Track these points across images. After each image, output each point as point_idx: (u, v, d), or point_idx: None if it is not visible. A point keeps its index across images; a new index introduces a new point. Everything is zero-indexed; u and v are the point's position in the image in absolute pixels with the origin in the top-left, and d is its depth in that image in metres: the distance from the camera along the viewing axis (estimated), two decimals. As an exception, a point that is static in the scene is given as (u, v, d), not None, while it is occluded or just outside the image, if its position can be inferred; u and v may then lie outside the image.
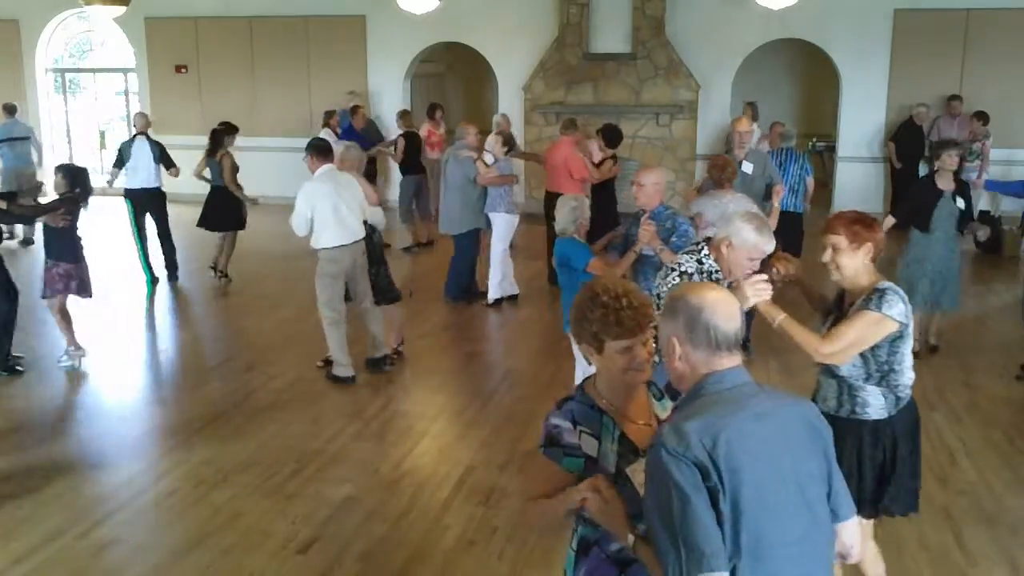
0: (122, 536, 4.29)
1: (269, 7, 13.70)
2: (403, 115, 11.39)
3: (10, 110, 11.61)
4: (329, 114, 11.73)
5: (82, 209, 6.73)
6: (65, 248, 6.55)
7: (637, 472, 2.18)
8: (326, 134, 11.62)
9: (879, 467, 3.27)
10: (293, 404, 5.96)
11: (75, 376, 6.57)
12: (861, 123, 12.57)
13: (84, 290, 6.68)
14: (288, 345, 7.23)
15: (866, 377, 3.19)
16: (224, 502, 4.60)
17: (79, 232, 6.69)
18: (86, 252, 6.72)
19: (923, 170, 12.05)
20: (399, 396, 6.17)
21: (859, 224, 3.17)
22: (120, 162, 9.27)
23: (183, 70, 14.33)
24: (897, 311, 3.07)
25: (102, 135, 16.27)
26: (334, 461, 5.09)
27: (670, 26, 12.50)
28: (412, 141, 11.00)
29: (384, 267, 6.62)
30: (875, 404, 3.22)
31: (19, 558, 4.08)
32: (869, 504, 3.28)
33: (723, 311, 2.06)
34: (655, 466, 1.95)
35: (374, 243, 6.53)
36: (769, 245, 3.49)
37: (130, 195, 9.18)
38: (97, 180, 15.61)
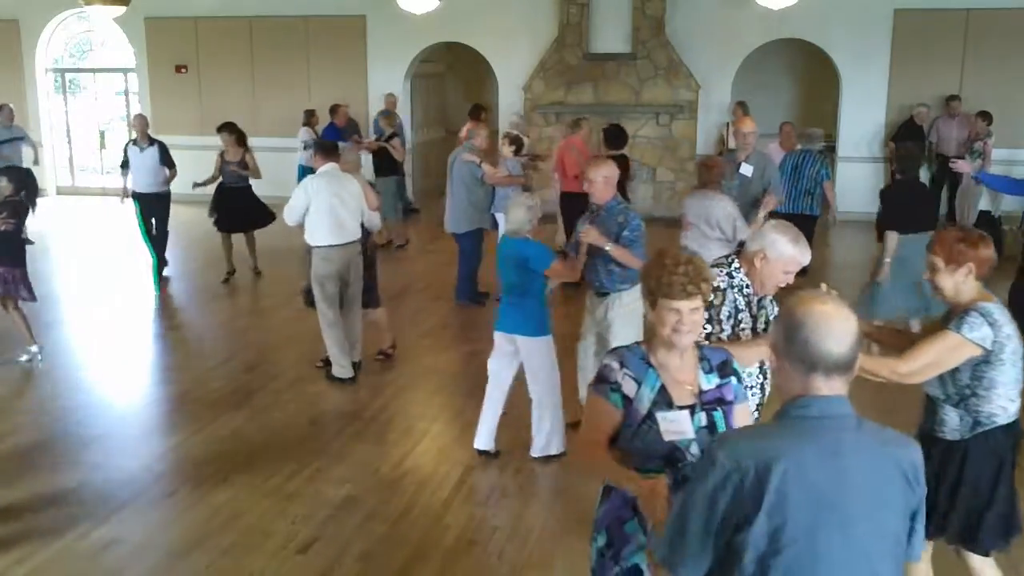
0: (122, 536, 4.29)
1: (269, 7, 13.70)
2: (386, 115, 11.12)
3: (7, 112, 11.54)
4: (309, 113, 11.71)
5: (30, 213, 6.64)
6: (4, 251, 6.47)
7: (666, 420, 2.46)
8: (305, 133, 11.62)
9: (949, 489, 3.18)
10: (293, 404, 5.96)
11: (75, 376, 6.57)
12: (861, 123, 12.57)
13: (27, 293, 6.60)
14: (288, 345, 7.22)
15: (944, 397, 3.13)
16: (224, 502, 4.60)
17: (25, 236, 6.63)
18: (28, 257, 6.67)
19: (925, 173, 12.06)
20: (399, 396, 6.17)
21: (962, 243, 3.05)
22: (125, 164, 9.26)
23: (183, 70, 14.32)
24: (979, 335, 2.96)
25: (102, 135, 16.26)
26: (334, 461, 5.09)
27: (670, 26, 12.50)
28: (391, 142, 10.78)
29: (374, 270, 6.66)
30: (951, 424, 3.14)
31: (19, 558, 4.08)
32: (933, 526, 3.16)
33: (828, 328, 1.85)
34: (700, 462, 1.96)
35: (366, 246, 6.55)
36: (806, 256, 3.25)
37: (136, 197, 9.18)
38: (98, 180, 15.72)
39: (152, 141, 9.18)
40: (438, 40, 13.55)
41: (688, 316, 2.46)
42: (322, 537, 4.25)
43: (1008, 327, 3.02)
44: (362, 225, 6.38)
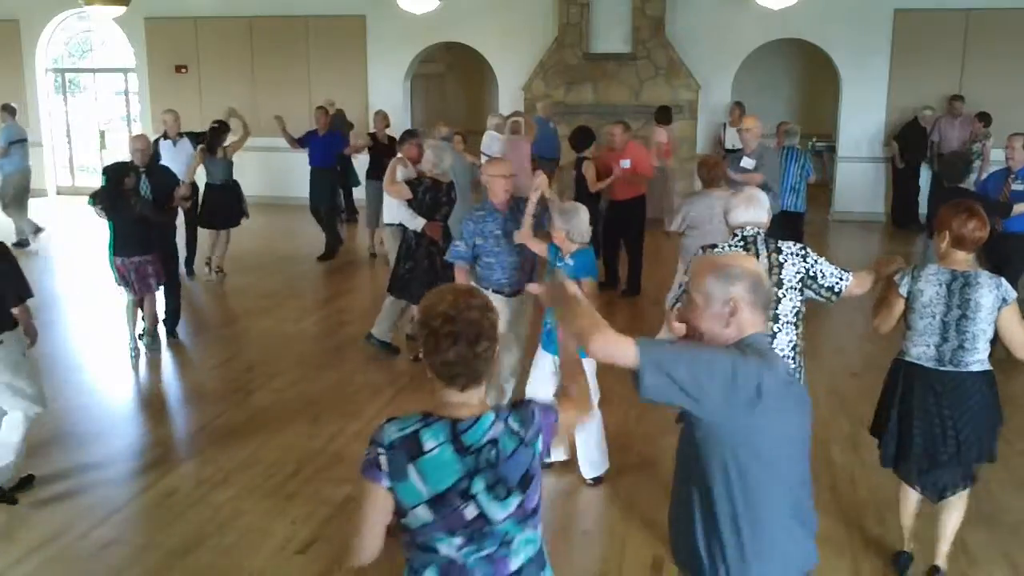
0: (122, 536, 4.30)
1: (269, 7, 13.70)
2: (383, 116, 10.61)
3: (11, 112, 11.56)
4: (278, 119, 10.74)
5: None
6: None
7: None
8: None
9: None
10: (293, 404, 5.96)
11: (75, 376, 6.56)
12: (861, 123, 12.58)
13: None
14: (288, 345, 7.23)
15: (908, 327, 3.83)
16: (224, 502, 4.60)
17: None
18: None
19: (925, 173, 12.07)
20: (399, 396, 6.17)
21: (947, 212, 3.63)
22: (158, 159, 9.23)
23: (183, 70, 14.32)
24: (904, 283, 3.70)
25: (102, 135, 16.27)
26: (334, 461, 5.09)
27: (670, 26, 12.51)
28: (379, 145, 10.30)
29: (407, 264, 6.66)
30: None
31: (19, 558, 4.08)
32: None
33: (767, 279, 2.30)
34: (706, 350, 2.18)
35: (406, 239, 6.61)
36: (763, 212, 3.94)
37: None
38: (98, 180, 15.67)
39: (181, 135, 9.29)
40: (438, 40, 13.55)
41: None
42: (322, 537, 4.25)
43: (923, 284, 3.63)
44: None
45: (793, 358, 3.83)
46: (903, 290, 3.67)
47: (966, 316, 3.54)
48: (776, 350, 3.77)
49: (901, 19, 12.13)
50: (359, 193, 11.73)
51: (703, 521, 2.21)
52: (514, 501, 2.07)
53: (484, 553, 2.09)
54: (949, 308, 3.57)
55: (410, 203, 6.42)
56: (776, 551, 2.18)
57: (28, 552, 4.13)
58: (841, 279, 3.83)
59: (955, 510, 3.78)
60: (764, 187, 7.00)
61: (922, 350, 3.65)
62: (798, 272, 3.80)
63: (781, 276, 3.79)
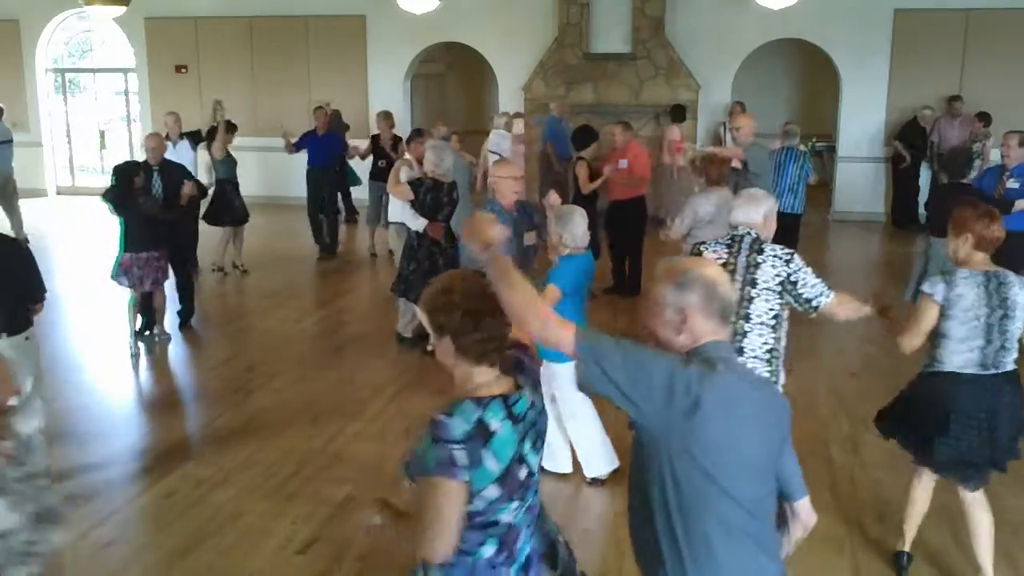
0: (122, 536, 4.30)
1: (269, 7, 13.70)
2: (385, 116, 10.57)
3: None
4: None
5: None
6: None
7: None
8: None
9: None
10: (293, 404, 5.96)
11: (75, 376, 6.56)
12: (861, 123, 12.58)
13: None
14: (288, 344, 7.23)
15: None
16: (224, 502, 4.60)
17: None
18: None
19: (925, 173, 12.07)
20: (399, 396, 6.17)
21: (968, 213, 3.57)
22: None
23: (183, 70, 14.32)
24: (935, 289, 3.57)
25: (102, 135, 16.27)
26: (334, 461, 5.09)
27: (670, 26, 12.51)
28: (380, 147, 10.35)
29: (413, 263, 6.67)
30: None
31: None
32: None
33: (727, 285, 2.19)
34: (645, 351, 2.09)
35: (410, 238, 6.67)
36: (757, 214, 3.92)
37: None
38: (98, 180, 15.70)
39: (182, 136, 9.32)
40: (438, 40, 13.55)
41: None
42: (322, 537, 4.25)
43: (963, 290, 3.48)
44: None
45: (768, 361, 3.77)
46: (939, 298, 3.50)
47: (1007, 316, 3.48)
48: (748, 352, 3.74)
49: (901, 19, 12.13)
50: (358, 192, 11.73)
51: (643, 529, 2.17)
52: (540, 446, 2.22)
53: (527, 505, 2.20)
54: (992, 310, 3.48)
55: (412, 204, 6.43)
56: (718, 568, 2.08)
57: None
58: (821, 294, 3.77)
59: (986, 511, 3.75)
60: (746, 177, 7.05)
61: (967, 357, 3.52)
62: (778, 275, 3.77)
63: (756, 276, 3.77)
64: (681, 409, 1.98)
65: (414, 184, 6.50)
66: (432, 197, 6.42)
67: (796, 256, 3.83)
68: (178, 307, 7.67)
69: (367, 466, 5.02)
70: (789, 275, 3.77)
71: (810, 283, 3.76)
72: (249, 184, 9.67)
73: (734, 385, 2.07)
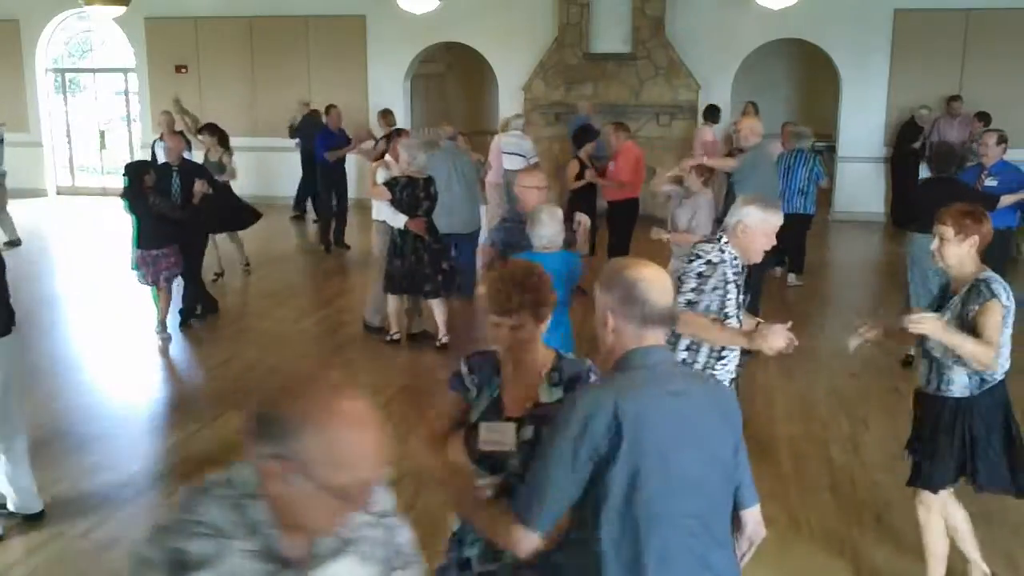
0: (122, 536, 4.29)
1: (269, 7, 13.70)
2: (385, 114, 10.79)
3: None
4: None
5: None
6: None
7: (487, 430, 2.40)
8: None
9: (961, 443, 3.41)
10: (293, 404, 5.95)
11: (75, 377, 6.56)
12: (861, 123, 12.58)
13: None
14: (289, 344, 7.23)
15: (955, 359, 3.31)
16: (224, 502, 4.58)
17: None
18: None
19: (924, 172, 12.06)
20: (399, 396, 6.17)
21: (969, 217, 3.36)
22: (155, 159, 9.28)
23: (183, 70, 14.32)
24: (1007, 298, 3.27)
25: (102, 135, 16.26)
26: (334, 461, 5.08)
27: (670, 26, 12.51)
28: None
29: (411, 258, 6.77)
30: (959, 384, 3.36)
31: (19, 558, 4.08)
32: (939, 475, 3.46)
33: (658, 287, 2.09)
34: (558, 418, 2.02)
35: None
36: (778, 217, 3.60)
37: None
38: (98, 180, 15.71)
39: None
40: (438, 40, 13.55)
41: (504, 331, 2.39)
42: (322, 537, 4.24)
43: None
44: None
45: (704, 361, 3.59)
46: (1007, 300, 3.27)
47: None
48: (680, 347, 3.57)
49: (901, 19, 12.13)
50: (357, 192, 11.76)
51: (581, 557, 2.10)
52: None
53: None
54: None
55: (392, 202, 6.66)
56: None
57: (28, 552, 4.13)
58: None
59: (959, 506, 3.72)
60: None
61: (1005, 364, 3.38)
62: (676, 271, 3.67)
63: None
64: (598, 458, 1.95)
65: (390, 184, 6.73)
66: (408, 194, 6.64)
67: (700, 259, 3.55)
68: (179, 306, 7.68)
69: (367, 466, 5.01)
70: (680, 272, 3.59)
71: (682, 288, 3.51)
72: (244, 184, 9.63)
73: (653, 401, 1.99)
